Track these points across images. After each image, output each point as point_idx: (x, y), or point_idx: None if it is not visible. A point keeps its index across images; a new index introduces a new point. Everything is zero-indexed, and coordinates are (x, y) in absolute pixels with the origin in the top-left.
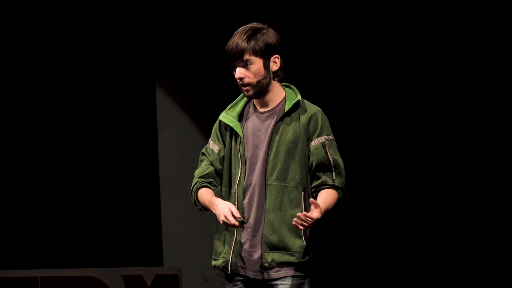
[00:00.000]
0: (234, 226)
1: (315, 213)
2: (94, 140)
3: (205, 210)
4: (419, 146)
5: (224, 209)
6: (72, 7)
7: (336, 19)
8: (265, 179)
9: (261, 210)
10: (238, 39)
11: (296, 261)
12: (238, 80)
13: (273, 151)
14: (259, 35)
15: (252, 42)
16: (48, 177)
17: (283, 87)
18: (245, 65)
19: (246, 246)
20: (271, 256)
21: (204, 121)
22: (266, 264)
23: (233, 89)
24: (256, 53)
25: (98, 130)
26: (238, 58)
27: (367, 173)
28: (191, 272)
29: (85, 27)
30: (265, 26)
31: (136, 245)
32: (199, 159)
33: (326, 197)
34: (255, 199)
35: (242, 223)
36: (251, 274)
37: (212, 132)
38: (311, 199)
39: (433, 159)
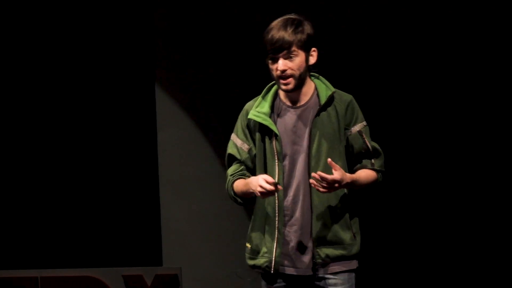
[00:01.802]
0: (271, 192)
1: (333, 175)
2: (94, 140)
3: (246, 202)
4: (418, 144)
5: (258, 181)
6: (72, 7)
7: (335, 17)
8: (309, 175)
9: (307, 206)
10: (283, 32)
11: (350, 254)
12: (278, 72)
13: (314, 146)
14: (301, 28)
15: (299, 35)
16: (48, 177)
17: (311, 77)
18: (289, 57)
19: (293, 244)
20: (324, 252)
21: (204, 121)
22: (320, 260)
23: (233, 89)
24: (301, 45)
25: (98, 130)
26: (284, 49)
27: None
28: (191, 272)
29: (85, 27)
30: (303, 18)
31: (136, 245)
32: (226, 160)
33: (360, 172)
34: (301, 196)
35: (276, 185)
36: (300, 271)
37: (238, 130)
38: (329, 159)
39: (432, 156)
